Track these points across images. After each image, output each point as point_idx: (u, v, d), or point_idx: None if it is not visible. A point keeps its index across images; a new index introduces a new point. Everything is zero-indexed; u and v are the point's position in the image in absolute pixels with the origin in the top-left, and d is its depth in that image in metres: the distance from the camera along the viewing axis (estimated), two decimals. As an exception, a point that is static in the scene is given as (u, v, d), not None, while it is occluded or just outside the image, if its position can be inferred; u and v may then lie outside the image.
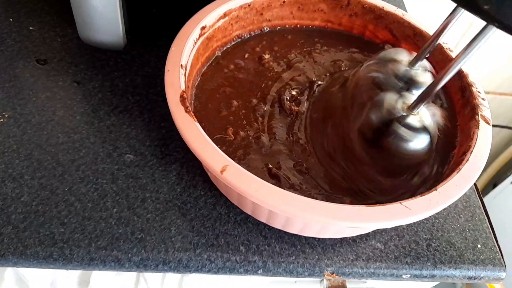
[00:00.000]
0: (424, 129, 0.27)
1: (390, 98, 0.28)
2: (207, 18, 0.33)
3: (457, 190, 0.26)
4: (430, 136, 0.27)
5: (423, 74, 0.30)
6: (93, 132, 0.34)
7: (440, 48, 0.34)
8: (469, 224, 0.33)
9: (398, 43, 0.37)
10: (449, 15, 0.27)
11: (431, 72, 0.31)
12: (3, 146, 0.32)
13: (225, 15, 0.34)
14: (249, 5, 0.36)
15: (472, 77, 0.32)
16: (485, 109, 0.30)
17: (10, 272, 0.32)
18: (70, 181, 0.31)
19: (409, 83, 0.30)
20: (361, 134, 0.29)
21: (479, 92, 0.31)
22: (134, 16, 0.39)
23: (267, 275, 0.30)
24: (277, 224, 0.29)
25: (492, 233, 0.33)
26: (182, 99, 0.27)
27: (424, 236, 0.32)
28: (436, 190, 0.25)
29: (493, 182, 1.09)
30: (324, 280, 0.36)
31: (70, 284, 0.32)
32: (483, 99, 0.31)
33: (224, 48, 0.36)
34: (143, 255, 0.28)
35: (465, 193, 0.35)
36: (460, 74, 0.33)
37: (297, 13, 0.39)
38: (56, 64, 0.38)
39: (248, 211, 0.30)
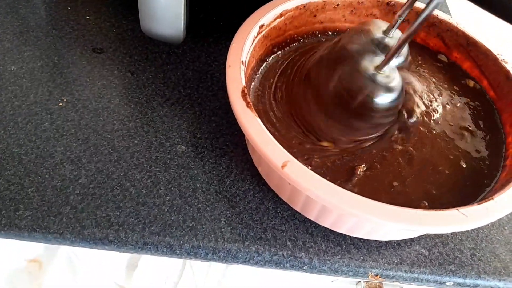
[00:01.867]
0: (389, 88, 0.29)
1: (364, 60, 0.30)
2: (265, 17, 0.33)
3: (513, 201, 0.26)
4: (396, 95, 0.30)
5: (397, 40, 0.32)
6: (146, 122, 0.35)
7: (495, 59, 0.34)
8: (513, 237, 0.33)
9: (449, 52, 0.38)
10: None
11: None
12: (62, 129, 0.33)
13: (281, 15, 0.35)
14: (304, 6, 0.36)
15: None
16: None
17: (63, 250, 0.33)
18: (125, 167, 0.32)
19: (385, 49, 0.31)
20: (337, 92, 0.31)
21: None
22: (192, 13, 0.40)
23: (312, 272, 0.30)
24: (326, 223, 0.30)
25: (536, 247, 0.33)
26: (244, 94, 0.28)
27: (469, 245, 0.32)
28: (493, 199, 0.26)
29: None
30: (362, 281, 0.37)
31: (118, 267, 0.33)
32: (537, 112, 0.31)
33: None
34: (194, 243, 0.29)
35: (510, 206, 0.35)
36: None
37: (349, 16, 0.39)
38: (112, 54, 0.39)
39: (297, 208, 0.31)
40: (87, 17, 0.42)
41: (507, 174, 0.29)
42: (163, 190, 0.31)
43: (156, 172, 0.32)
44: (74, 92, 0.36)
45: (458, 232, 0.33)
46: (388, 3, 0.38)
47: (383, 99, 0.29)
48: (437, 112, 0.34)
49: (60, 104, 0.35)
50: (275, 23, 0.35)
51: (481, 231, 0.33)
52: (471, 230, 0.33)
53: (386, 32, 0.32)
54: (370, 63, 0.30)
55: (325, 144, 0.31)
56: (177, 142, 0.34)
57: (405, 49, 0.33)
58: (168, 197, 0.31)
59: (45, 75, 0.37)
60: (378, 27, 0.32)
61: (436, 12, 0.37)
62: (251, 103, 0.28)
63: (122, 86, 0.37)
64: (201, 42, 0.42)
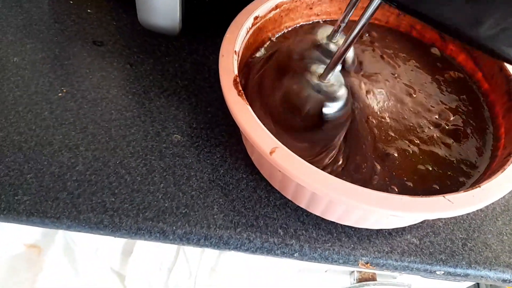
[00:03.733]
0: (334, 97, 0.29)
1: (308, 68, 0.30)
2: (260, 9, 0.34)
3: (500, 189, 0.26)
4: (343, 104, 0.30)
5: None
6: (143, 112, 0.36)
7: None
8: (507, 228, 0.33)
9: (445, 45, 0.38)
10: None
11: None
12: (61, 118, 0.34)
13: (277, 7, 0.35)
14: (300, -1, 0.37)
15: (519, 82, 0.32)
16: (532, 114, 0.31)
17: (60, 236, 0.34)
18: (121, 155, 0.33)
19: (330, 54, 0.31)
20: (284, 101, 0.31)
21: (526, 96, 0.32)
22: (189, 5, 0.41)
23: (302, 259, 0.31)
24: (317, 210, 0.30)
25: (529, 239, 0.33)
26: (235, 83, 0.29)
27: (460, 236, 0.32)
28: (479, 187, 0.26)
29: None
30: (355, 272, 0.37)
31: (114, 253, 0.34)
32: (530, 103, 0.31)
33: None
34: (186, 229, 0.30)
35: (504, 197, 0.35)
36: (508, 78, 0.33)
37: (345, 9, 0.39)
38: (111, 46, 0.40)
39: (288, 196, 0.31)
40: (89, 10, 0.43)
41: (496, 164, 0.29)
42: (157, 177, 0.32)
43: (152, 160, 0.33)
44: (74, 83, 0.37)
45: (450, 222, 0.33)
46: (383, -4, 0.38)
47: (329, 109, 0.29)
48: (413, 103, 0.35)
49: (60, 94, 0.36)
50: (271, 15, 0.35)
51: (474, 221, 0.33)
52: (463, 220, 0.33)
53: (330, 37, 0.32)
54: (314, 72, 0.30)
55: None
56: (173, 131, 0.35)
57: (350, 53, 0.34)
58: (162, 185, 0.32)
59: (46, 66, 0.38)
60: (324, 32, 0.32)
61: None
62: (242, 91, 0.28)
63: (120, 77, 0.38)
64: (199, 35, 0.42)
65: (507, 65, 0.33)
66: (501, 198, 0.35)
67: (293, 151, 0.26)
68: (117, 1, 0.44)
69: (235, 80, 0.29)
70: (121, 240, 0.36)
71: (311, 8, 0.38)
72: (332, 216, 0.30)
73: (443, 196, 0.25)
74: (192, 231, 0.30)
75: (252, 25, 0.34)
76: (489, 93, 0.35)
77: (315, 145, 0.30)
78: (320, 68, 0.30)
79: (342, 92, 0.30)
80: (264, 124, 0.27)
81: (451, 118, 0.33)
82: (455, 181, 0.30)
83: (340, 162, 0.30)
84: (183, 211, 0.30)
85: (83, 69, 0.38)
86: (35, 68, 0.37)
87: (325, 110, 0.29)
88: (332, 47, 0.32)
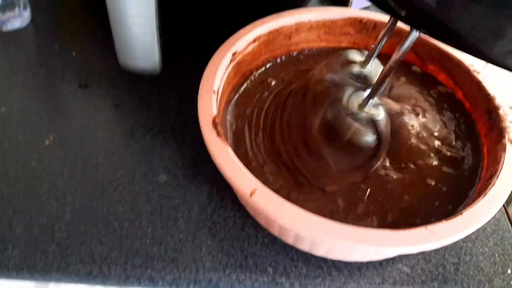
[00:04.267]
0: (374, 124, 0.30)
1: (345, 97, 0.30)
2: (238, 44, 0.34)
3: (483, 215, 0.26)
4: (379, 131, 0.30)
5: (375, 72, 0.32)
6: (130, 153, 0.36)
7: (467, 71, 0.34)
8: (499, 248, 0.33)
9: (424, 65, 0.38)
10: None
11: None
12: (49, 167, 0.35)
13: (254, 40, 0.36)
14: (277, 30, 0.37)
15: (499, 100, 0.32)
16: (514, 133, 0.30)
17: (53, 286, 0.34)
18: (109, 201, 0.33)
19: (364, 80, 0.32)
20: (321, 130, 0.31)
21: (506, 114, 0.31)
22: (171, 42, 0.41)
23: (294, 296, 0.30)
24: (304, 247, 0.30)
25: (523, 258, 0.33)
26: (214, 124, 0.29)
27: (452, 260, 0.32)
28: (461, 214, 0.26)
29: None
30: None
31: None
32: (510, 122, 0.31)
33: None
34: (175, 274, 0.30)
35: (494, 216, 0.35)
36: (487, 97, 0.33)
37: (325, 36, 0.40)
38: (96, 88, 0.41)
39: (275, 233, 0.31)
40: (74, 53, 0.44)
41: (481, 186, 0.29)
42: (145, 221, 0.32)
43: (139, 204, 0.33)
44: (60, 129, 0.37)
45: (441, 247, 0.33)
46: (361, 21, 0.38)
47: (369, 136, 0.30)
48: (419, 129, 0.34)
49: (47, 142, 0.36)
50: (249, 49, 0.36)
51: (465, 244, 0.33)
52: (454, 244, 0.33)
53: (363, 63, 0.32)
54: (352, 100, 0.30)
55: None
56: (159, 172, 0.35)
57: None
58: (150, 229, 0.32)
59: (33, 114, 0.38)
60: (355, 57, 0.32)
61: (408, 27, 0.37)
62: (221, 132, 0.28)
63: (106, 119, 0.38)
64: (183, 71, 0.42)
65: (485, 84, 0.33)
66: (492, 217, 0.35)
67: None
68: (102, 42, 0.45)
69: (214, 120, 0.29)
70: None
71: (289, 38, 0.38)
72: (319, 251, 0.30)
73: (425, 227, 0.25)
74: (181, 276, 0.30)
75: (231, 61, 0.34)
76: (471, 112, 0.35)
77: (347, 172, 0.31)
78: (358, 96, 0.30)
79: (382, 118, 0.30)
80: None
81: (453, 143, 0.34)
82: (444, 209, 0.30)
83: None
84: (171, 256, 0.31)
85: (69, 114, 0.38)
86: (22, 117, 0.38)
87: (368, 138, 0.30)
88: (366, 72, 0.32)
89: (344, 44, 0.40)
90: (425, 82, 0.38)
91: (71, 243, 0.31)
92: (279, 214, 0.25)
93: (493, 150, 0.31)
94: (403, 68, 0.39)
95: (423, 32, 0.22)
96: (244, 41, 0.35)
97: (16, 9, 0.43)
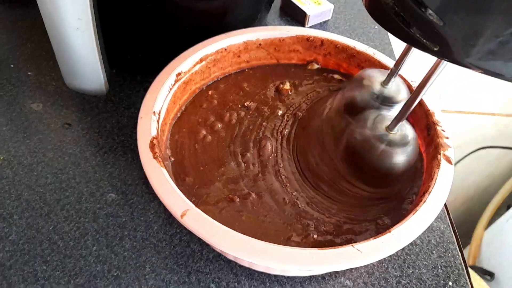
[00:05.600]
0: (404, 144, 0.29)
1: (370, 119, 0.30)
2: (183, 65, 0.35)
3: (412, 232, 0.26)
4: (410, 151, 0.30)
5: (397, 91, 0.33)
6: (79, 173, 0.36)
7: (408, 86, 0.35)
8: (442, 261, 0.34)
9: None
10: None
11: (406, 86, 0.34)
12: (-4, 187, 0.35)
13: (201, 60, 0.36)
14: (225, 49, 0.38)
15: (438, 116, 0.33)
16: (449, 149, 0.31)
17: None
18: (55, 220, 0.33)
19: (386, 100, 0.32)
20: (346, 155, 0.32)
21: (443, 131, 0.32)
22: (121, 60, 0.42)
23: (236, 312, 0.31)
24: (244, 263, 0.30)
25: (465, 269, 0.33)
26: (152, 145, 0.29)
27: (394, 273, 0.32)
28: (390, 232, 0.26)
29: (508, 204, 1.07)
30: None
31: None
32: (447, 137, 0.32)
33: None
34: (117, 293, 0.30)
35: (439, 228, 0.35)
36: (426, 113, 0.33)
37: (275, 53, 0.40)
38: (49, 108, 0.41)
39: (217, 250, 0.31)
40: (29, 73, 0.44)
41: (416, 202, 0.30)
42: (90, 240, 0.32)
43: (85, 223, 0.33)
44: (11, 149, 0.37)
45: (384, 260, 0.33)
46: (308, 39, 0.39)
47: (400, 157, 0.30)
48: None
49: (-3, 162, 0.36)
50: (196, 68, 0.36)
51: (408, 257, 0.34)
52: (398, 256, 0.33)
53: (384, 83, 0.33)
54: (379, 122, 0.30)
55: None
56: (108, 190, 0.35)
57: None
58: (95, 248, 0.32)
59: (-17, 134, 0.38)
60: (375, 79, 0.33)
61: (354, 44, 0.38)
62: (157, 153, 0.29)
63: (57, 139, 0.38)
64: (137, 88, 0.43)
65: (425, 100, 0.34)
66: (437, 229, 0.35)
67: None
68: (56, 61, 0.45)
69: (151, 142, 0.29)
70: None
71: (239, 56, 0.39)
72: (258, 268, 0.30)
73: (352, 245, 0.25)
74: (122, 294, 0.30)
75: (176, 81, 0.35)
76: (413, 126, 0.35)
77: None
78: (383, 119, 0.30)
79: (411, 138, 0.30)
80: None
81: None
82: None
83: None
84: (115, 274, 0.31)
85: (20, 133, 0.39)
86: (-27, 138, 0.38)
87: (392, 161, 0.29)
88: (387, 92, 0.32)
89: (294, 61, 0.41)
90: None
91: (15, 263, 0.31)
92: (208, 234, 0.25)
93: (430, 166, 0.31)
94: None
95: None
96: (190, 61, 0.36)
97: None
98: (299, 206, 0.31)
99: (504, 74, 0.20)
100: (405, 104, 0.28)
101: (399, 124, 0.29)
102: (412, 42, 0.22)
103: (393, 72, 0.32)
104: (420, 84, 0.26)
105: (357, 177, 0.32)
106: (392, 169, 0.30)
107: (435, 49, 0.21)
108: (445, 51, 0.21)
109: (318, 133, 0.35)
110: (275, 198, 0.32)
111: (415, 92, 0.26)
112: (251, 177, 0.33)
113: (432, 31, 0.20)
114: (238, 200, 0.31)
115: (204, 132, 0.35)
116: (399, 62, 0.31)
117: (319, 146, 0.34)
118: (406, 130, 0.30)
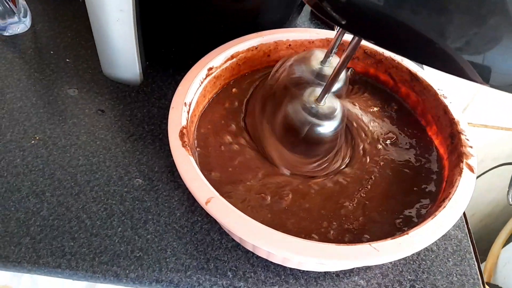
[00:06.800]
0: (330, 116, 0.32)
1: (304, 93, 0.33)
2: (215, 60, 0.36)
3: (429, 236, 0.27)
4: (338, 122, 0.32)
5: (332, 70, 0.34)
6: (109, 157, 0.38)
7: (435, 94, 0.36)
8: (457, 269, 0.34)
9: (396, 86, 0.39)
10: None
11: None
12: (31, 165, 0.37)
13: (232, 57, 0.38)
14: (256, 48, 0.39)
15: (463, 125, 0.33)
16: (472, 157, 0.31)
17: (26, 278, 0.36)
18: (84, 200, 0.35)
19: (322, 78, 0.34)
20: (283, 125, 0.33)
21: (467, 140, 0.32)
22: (155, 53, 0.43)
23: (250, 301, 0.32)
24: (262, 254, 0.31)
25: (480, 279, 0.33)
26: (181, 134, 0.30)
27: (409, 277, 0.33)
28: (407, 234, 0.27)
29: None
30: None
31: (77, 290, 0.36)
32: (471, 147, 0.32)
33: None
34: (139, 273, 0.31)
35: (457, 236, 0.36)
36: (451, 121, 0.34)
37: (304, 55, 0.41)
38: (85, 94, 0.43)
39: (236, 239, 0.32)
40: (67, 60, 0.46)
41: (435, 208, 0.30)
42: (116, 222, 0.34)
43: (112, 204, 0.35)
44: (46, 130, 0.39)
45: (399, 263, 0.34)
46: (337, 42, 0.40)
47: (326, 128, 0.32)
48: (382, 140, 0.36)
49: (33, 141, 0.38)
50: (227, 64, 0.38)
51: (424, 262, 0.34)
52: (413, 261, 0.34)
53: (323, 62, 0.34)
54: (310, 95, 0.32)
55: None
56: (135, 176, 0.37)
57: (342, 76, 0.36)
58: (120, 229, 0.33)
59: (22, 115, 0.40)
60: (316, 57, 0.34)
61: (382, 50, 0.39)
62: (187, 142, 0.30)
63: (90, 124, 0.40)
64: (169, 80, 0.45)
65: (451, 108, 0.34)
66: (454, 238, 0.36)
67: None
68: (93, 50, 0.47)
69: (181, 131, 0.31)
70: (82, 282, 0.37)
71: (268, 56, 0.40)
72: (276, 259, 0.31)
73: (369, 244, 0.26)
74: (144, 274, 0.31)
75: (207, 76, 0.36)
76: (437, 134, 0.36)
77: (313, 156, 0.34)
78: (315, 92, 0.32)
79: (338, 112, 0.32)
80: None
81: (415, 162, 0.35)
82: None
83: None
84: (137, 255, 0.32)
85: (56, 116, 0.41)
86: (12, 117, 0.40)
87: (321, 130, 0.32)
88: (326, 70, 0.35)
89: (322, 63, 0.42)
90: (386, 98, 0.40)
91: (44, 237, 0.32)
92: (231, 223, 0.26)
93: (451, 173, 0.32)
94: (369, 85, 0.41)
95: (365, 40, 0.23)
96: (222, 57, 0.37)
97: (16, 16, 0.46)
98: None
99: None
100: (330, 77, 0.30)
101: (326, 96, 0.31)
102: (326, 15, 0.23)
103: (329, 52, 0.34)
104: (341, 60, 0.28)
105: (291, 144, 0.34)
106: (320, 139, 0.32)
107: (343, 22, 0.22)
108: (351, 26, 0.22)
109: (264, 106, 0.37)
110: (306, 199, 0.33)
111: (337, 66, 0.28)
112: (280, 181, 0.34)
113: (338, 5, 0.22)
114: (269, 198, 0.32)
115: (229, 138, 0.36)
116: (334, 43, 0.33)
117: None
118: (333, 102, 0.32)
